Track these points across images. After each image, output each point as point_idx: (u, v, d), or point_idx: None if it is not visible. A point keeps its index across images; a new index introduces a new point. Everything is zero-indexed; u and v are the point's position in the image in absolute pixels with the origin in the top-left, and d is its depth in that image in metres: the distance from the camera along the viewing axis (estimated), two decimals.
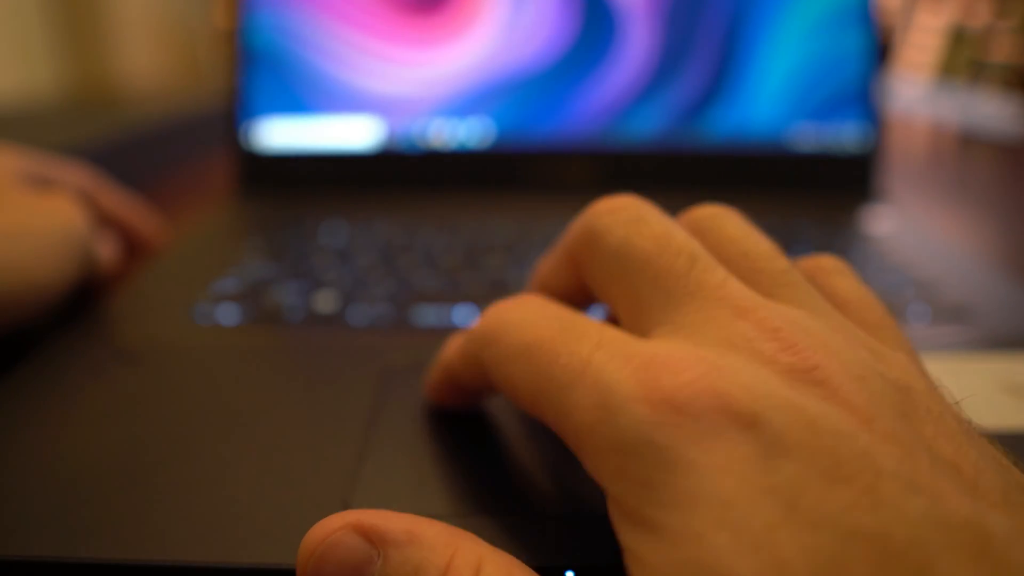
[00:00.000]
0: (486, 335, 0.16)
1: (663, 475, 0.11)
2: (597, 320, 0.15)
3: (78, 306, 0.27)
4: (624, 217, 0.16)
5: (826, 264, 0.17)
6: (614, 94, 0.41)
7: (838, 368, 0.12)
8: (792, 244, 0.33)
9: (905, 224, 0.37)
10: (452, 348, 0.19)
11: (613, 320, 0.18)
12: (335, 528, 0.13)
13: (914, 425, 0.12)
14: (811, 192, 0.41)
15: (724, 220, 0.17)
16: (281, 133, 0.42)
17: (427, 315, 0.26)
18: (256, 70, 0.41)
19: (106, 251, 0.30)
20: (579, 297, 0.18)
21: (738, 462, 0.11)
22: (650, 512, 0.11)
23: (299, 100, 0.42)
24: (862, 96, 0.41)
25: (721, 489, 0.11)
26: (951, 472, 0.11)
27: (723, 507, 0.11)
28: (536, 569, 0.13)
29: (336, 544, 0.13)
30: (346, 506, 0.16)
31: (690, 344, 0.13)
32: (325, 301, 0.28)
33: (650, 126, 0.41)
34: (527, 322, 0.15)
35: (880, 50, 0.41)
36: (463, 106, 0.41)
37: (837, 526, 0.10)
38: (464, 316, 0.26)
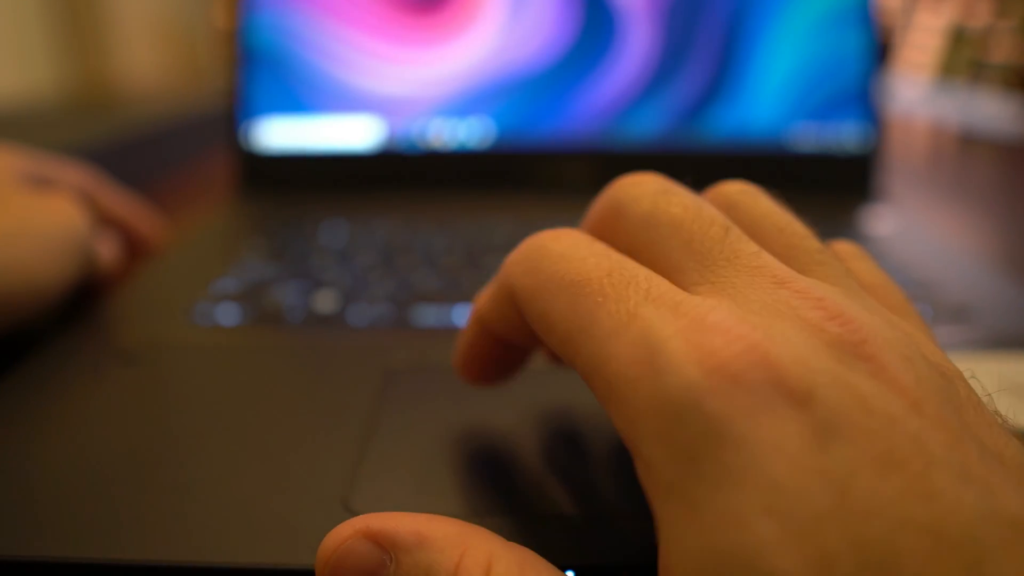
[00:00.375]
0: (525, 262, 0.15)
1: (711, 448, 0.11)
2: (643, 267, 0.14)
3: (78, 306, 0.27)
4: (651, 188, 0.16)
5: (845, 249, 0.17)
6: (614, 94, 0.41)
7: (884, 345, 0.12)
8: None
9: (905, 224, 0.37)
10: (483, 295, 0.17)
11: None
12: (346, 536, 0.13)
13: (959, 412, 0.11)
14: (811, 192, 0.41)
15: (756, 195, 0.16)
16: (281, 133, 0.42)
17: (427, 315, 0.26)
18: (256, 70, 0.41)
19: (106, 251, 0.30)
20: None
21: (791, 441, 0.10)
22: (691, 486, 0.11)
23: (299, 100, 0.42)
24: (862, 96, 0.41)
25: (772, 470, 0.10)
26: (998, 464, 0.11)
27: (772, 490, 0.10)
28: None
29: (348, 553, 0.13)
30: (346, 506, 0.16)
31: (736, 306, 0.12)
32: (325, 301, 0.28)
33: (650, 126, 0.41)
34: (572, 256, 0.14)
35: (880, 50, 0.41)
36: (463, 106, 0.41)
37: (889, 515, 0.10)
38: (464, 316, 0.26)
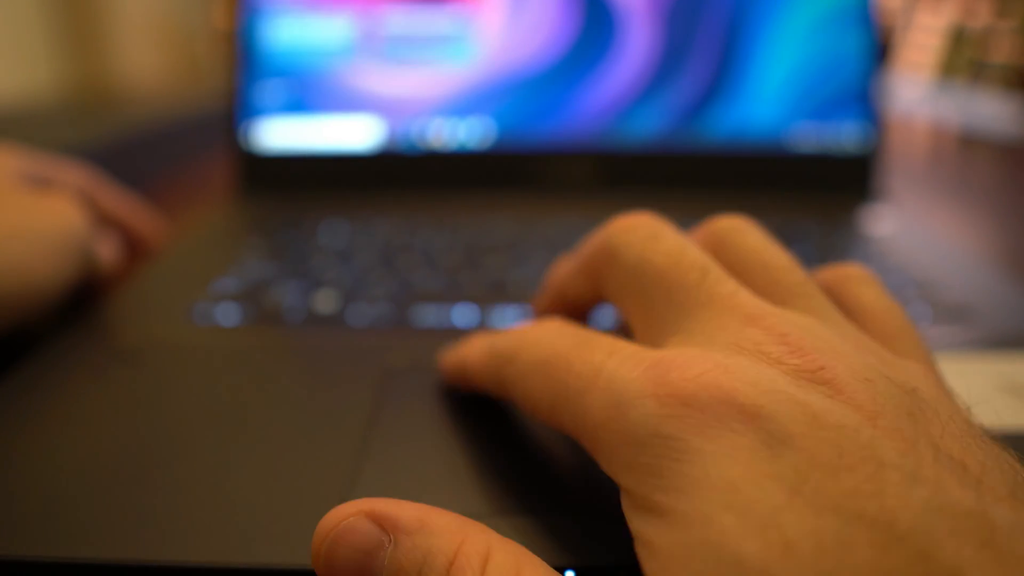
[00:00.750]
0: (506, 353, 0.17)
1: (671, 463, 0.12)
2: (610, 335, 0.16)
3: (78, 306, 0.27)
4: (641, 235, 0.17)
5: (851, 273, 0.18)
6: (614, 94, 0.41)
7: (844, 370, 0.13)
8: (793, 244, 0.33)
9: (905, 224, 0.37)
10: (474, 353, 0.19)
11: (627, 333, 0.18)
12: (349, 514, 0.13)
13: (919, 424, 0.12)
14: (811, 192, 0.41)
15: (744, 231, 0.18)
16: (281, 133, 0.42)
17: (427, 315, 0.26)
18: (256, 70, 0.41)
19: (106, 251, 0.30)
20: (591, 300, 0.20)
21: (743, 450, 0.11)
22: (659, 498, 0.12)
23: (299, 100, 0.42)
24: (862, 96, 0.41)
25: (727, 474, 0.11)
26: (956, 468, 0.11)
27: (729, 490, 0.11)
28: None
29: (349, 529, 0.13)
30: None
31: (700, 348, 0.14)
32: (325, 301, 0.27)
33: (650, 126, 0.41)
34: (544, 340, 0.16)
35: (880, 50, 0.41)
36: (463, 106, 0.41)
37: (840, 510, 0.10)
38: (464, 316, 0.26)
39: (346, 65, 0.41)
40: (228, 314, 0.26)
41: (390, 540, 0.13)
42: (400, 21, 0.41)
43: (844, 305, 0.17)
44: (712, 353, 0.13)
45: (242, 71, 0.41)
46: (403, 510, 0.13)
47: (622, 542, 0.15)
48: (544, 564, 0.13)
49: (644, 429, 0.12)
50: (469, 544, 0.13)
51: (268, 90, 0.41)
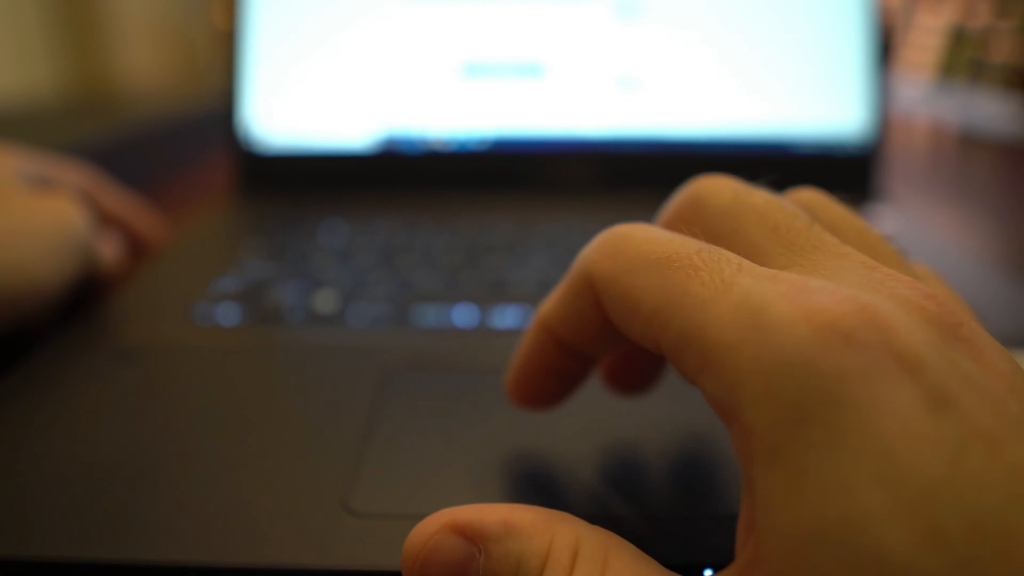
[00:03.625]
0: (606, 247, 0.14)
1: (822, 409, 0.10)
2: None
3: (78, 306, 0.27)
4: (731, 184, 0.15)
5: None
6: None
7: (979, 331, 0.12)
8: None
9: (905, 224, 0.37)
10: (548, 299, 0.16)
11: None
12: (433, 532, 0.13)
13: None
14: None
15: (833, 202, 0.16)
16: (281, 133, 0.42)
17: (427, 315, 0.26)
18: (255, 70, 0.41)
19: (107, 251, 0.30)
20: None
21: (904, 407, 0.10)
22: (798, 450, 0.10)
23: (299, 100, 0.42)
24: (863, 96, 0.41)
25: (885, 436, 0.10)
26: None
27: (885, 457, 0.10)
28: None
29: (436, 548, 0.13)
30: (346, 506, 0.16)
31: (834, 280, 0.12)
32: (325, 301, 0.27)
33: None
34: (657, 239, 0.14)
35: (880, 50, 0.41)
36: (463, 106, 0.41)
37: (1001, 491, 0.09)
38: (464, 316, 0.26)
39: (346, 64, 0.41)
40: (228, 314, 0.26)
41: (479, 550, 0.13)
42: (400, 21, 0.41)
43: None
44: (851, 289, 0.11)
45: (242, 71, 0.41)
46: (486, 515, 0.13)
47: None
48: (631, 547, 0.12)
49: (795, 357, 0.11)
50: (558, 541, 0.12)
51: (268, 90, 0.41)
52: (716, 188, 0.15)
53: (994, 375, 0.11)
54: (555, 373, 0.17)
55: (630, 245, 0.14)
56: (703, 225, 0.15)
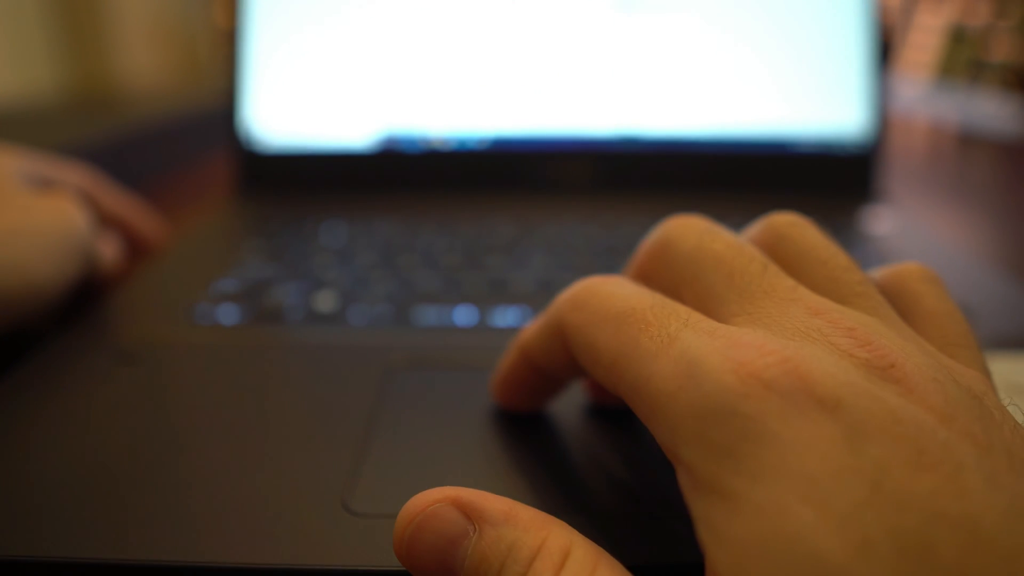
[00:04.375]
0: (575, 300, 0.16)
1: (747, 445, 0.11)
2: (683, 305, 0.15)
3: (78, 306, 0.27)
4: (698, 229, 0.17)
5: (913, 270, 0.17)
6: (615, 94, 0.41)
7: (913, 368, 0.12)
8: None
9: (905, 224, 0.37)
10: (529, 328, 0.18)
11: None
12: (435, 500, 0.13)
13: (991, 431, 0.12)
14: (811, 192, 0.41)
15: (804, 228, 0.17)
16: (281, 133, 0.42)
17: (427, 315, 0.26)
18: (256, 69, 0.41)
19: (107, 251, 0.30)
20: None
21: (822, 441, 0.11)
22: (730, 481, 0.11)
23: (299, 99, 0.42)
24: (862, 96, 0.41)
25: (806, 465, 0.11)
26: None
27: (809, 482, 0.11)
28: None
29: (435, 515, 0.13)
30: (346, 506, 0.16)
31: (770, 332, 0.13)
32: (325, 301, 0.28)
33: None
34: (619, 294, 0.16)
35: (880, 50, 0.41)
36: (463, 106, 0.41)
37: (923, 508, 0.10)
38: (464, 316, 0.26)
39: (347, 64, 0.41)
40: (228, 314, 0.26)
41: (475, 529, 0.13)
42: (400, 21, 0.41)
43: (903, 304, 0.16)
44: (785, 340, 0.13)
45: (242, 71, 0.41)
46: (489, 502, 0.13)
47: (625, 542, 0.15)
48: (619, 565, 0.13)
49: (720, 402, 0.12)
50: (552, 539, 0.13)
51: (268, 89, 0.41)
52: (683, 232, 0.17)
53: (925, 408, 0.12)
54: (531, 387, 0.19)
55: (595, 299, 0.16)
56: (671, 267, 0.17)
